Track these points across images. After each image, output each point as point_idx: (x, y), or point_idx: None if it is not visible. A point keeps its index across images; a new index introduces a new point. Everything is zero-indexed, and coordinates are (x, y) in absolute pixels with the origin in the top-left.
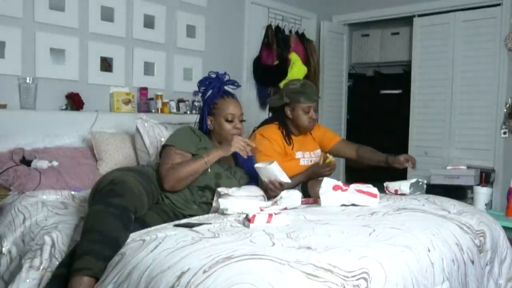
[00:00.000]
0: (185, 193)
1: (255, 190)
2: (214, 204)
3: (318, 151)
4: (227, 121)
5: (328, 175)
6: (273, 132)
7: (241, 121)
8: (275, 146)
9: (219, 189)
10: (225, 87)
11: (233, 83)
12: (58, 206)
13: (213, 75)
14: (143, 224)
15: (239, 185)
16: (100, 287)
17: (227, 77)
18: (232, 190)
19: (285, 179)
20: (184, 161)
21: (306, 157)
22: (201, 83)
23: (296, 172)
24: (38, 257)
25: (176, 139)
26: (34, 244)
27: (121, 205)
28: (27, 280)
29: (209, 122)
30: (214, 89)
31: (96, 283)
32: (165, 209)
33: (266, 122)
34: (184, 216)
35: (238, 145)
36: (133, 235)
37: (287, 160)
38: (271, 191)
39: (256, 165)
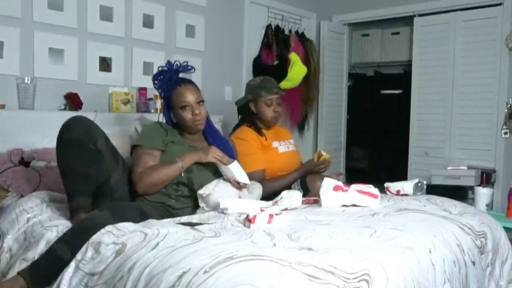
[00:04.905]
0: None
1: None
2: (202, 205)
3: (293, 140)
4: (184, 109)
5: (323, 172)
6: (246, 131)
7: (199, 102)
8: (253, 143)
9: (200, 192)
10: (180, 75)
11: (186, 68)
12: (64, 208)
13: (165, 68)
14: (143, 214)
15: (214, 177)
16: (99, 277)
17: (178, 64)
18: (212, 188)
19: (244, 180)
20: (157, 166)
21: (283, 145)
22: (155, 78)
23: (278, 161)
24: (32, 250)
25: (142, 138)
26: (32, 238)
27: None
28: None
29: (172, 116)
30: (166, 82)
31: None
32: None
33: (236, 127)
34: (172, 208)
35: (215, 155)
36: (134, 226)
37: (266, 152)
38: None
39: (218, 164)
